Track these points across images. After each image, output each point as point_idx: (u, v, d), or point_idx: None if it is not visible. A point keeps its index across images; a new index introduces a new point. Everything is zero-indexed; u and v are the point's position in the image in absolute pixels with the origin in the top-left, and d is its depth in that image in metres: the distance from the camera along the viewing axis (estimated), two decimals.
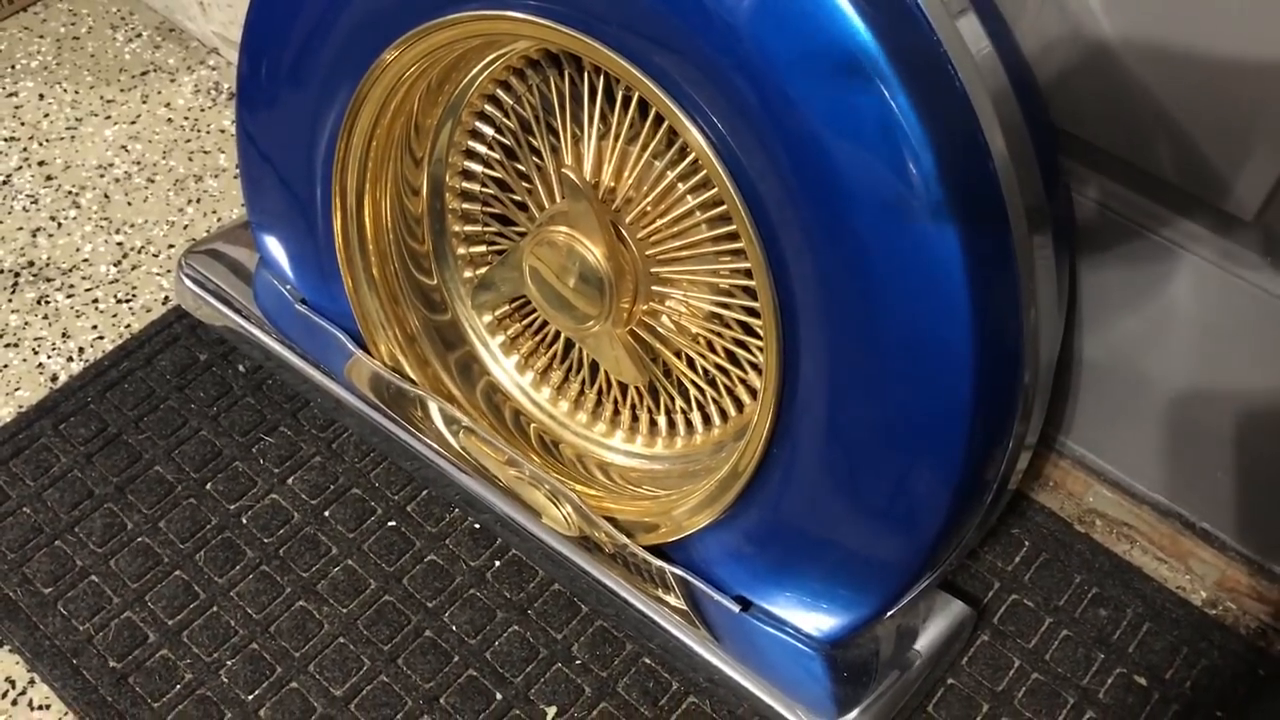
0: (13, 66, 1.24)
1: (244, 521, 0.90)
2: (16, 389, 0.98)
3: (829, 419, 0.68)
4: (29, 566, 0.87)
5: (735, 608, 0.77)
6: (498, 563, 0.88)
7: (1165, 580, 0.88)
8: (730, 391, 0.79)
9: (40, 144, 1.17)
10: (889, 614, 0.75)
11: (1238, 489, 0.81)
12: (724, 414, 0.80)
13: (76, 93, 1.21)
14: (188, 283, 0.96)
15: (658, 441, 0.85)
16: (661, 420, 0.85)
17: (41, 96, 1.21)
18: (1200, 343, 0.75)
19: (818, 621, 0.75)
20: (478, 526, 0.90)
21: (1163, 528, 0.87)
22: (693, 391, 0.81)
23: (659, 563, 0.79)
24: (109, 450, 0.93)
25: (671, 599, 0.79)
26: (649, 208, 0.74)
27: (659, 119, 0.72)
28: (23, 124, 1.19)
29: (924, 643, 0.79)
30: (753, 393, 0.78)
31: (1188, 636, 0.85)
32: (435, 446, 0.87)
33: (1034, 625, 0.85)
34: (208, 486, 0.92)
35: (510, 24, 0.68)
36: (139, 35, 1.27)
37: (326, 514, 0.90)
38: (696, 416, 0.82)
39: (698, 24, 0.61)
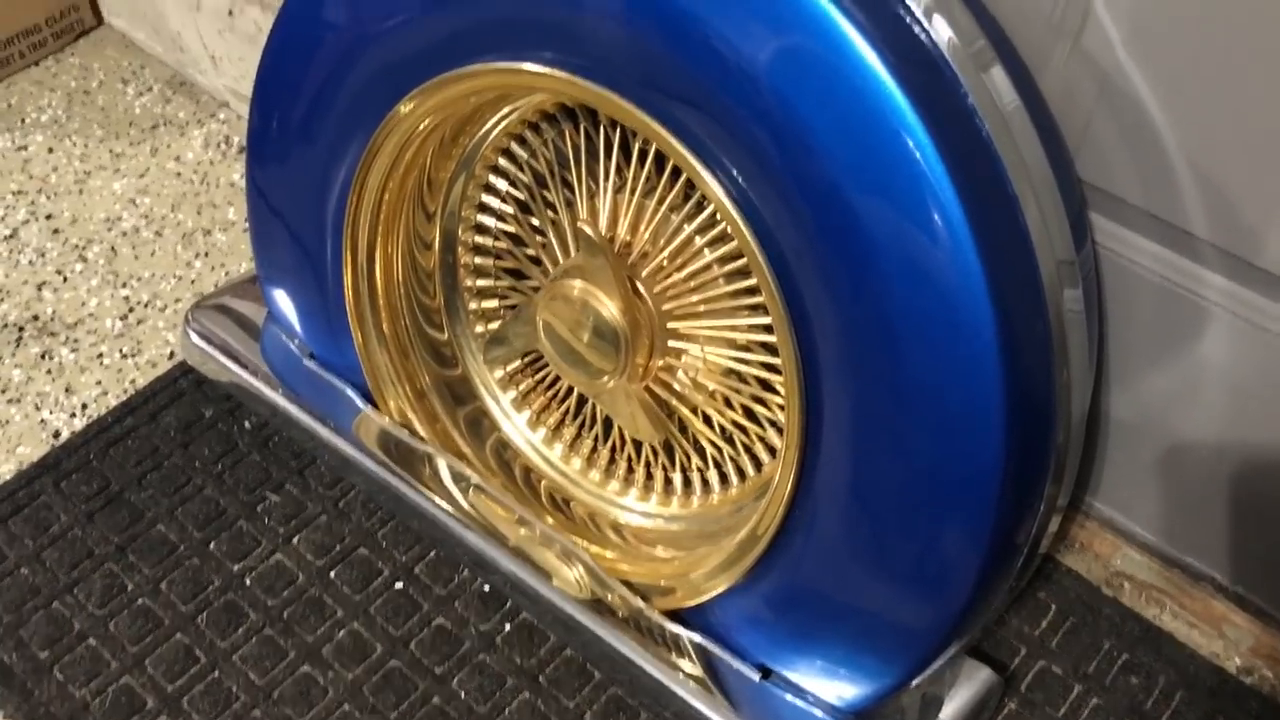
0: (22, 120, 1.24)
1: (247, 583, 0.87)
2: (18, 446, 0.96)
3: (853, 480, 0.66)
4: (25, 629, 0.85)
5: (755, 676, 0.74)
6: (508, 627, 0.86)
7: (1198, 646, 0.85)
8: (749, 450, 0.77)
9: (48, 197, 1.16)
10: (915, 682, 0.72)
11: (1272, 552, 0.79)
12: (742, 473, 0.78)
13: (86, 146, 1.21)
14: (194, 338, 0.95)
15: (673, 501, 0.83)
16: (677, 479, 0.82)
17: (51, 150, 1.21)
18: (1232, 401, 0.73)
19: (841, 690, 0.73)
20: (487, 589, 0.87)
21: (1194, 591, 0.84)
22: (710, 449, 0.79)
23: (675, 628, 0.77)
24: (110, 509, 0.91)
25: (688, 666, 0.77)
26: (665, 261, 0.73)
27: (676, 171, 0.70)
28: (31, 177, 1.18)
29: (950, 711, 0.76)
30: (772, 451, 0.76)
31: (1223, 705, 0.82)
32: (444, 505, 0.85)
33: (1063, 693, 0.82)
34: (211, 546, 0.89)
35: (526, 77, 0.67)
36: (150, 89, 1.27)
37: (332, 575, 0.88)
38: (714, 475, 0.80)
39: (717, 76, 0.60)
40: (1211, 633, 0.85)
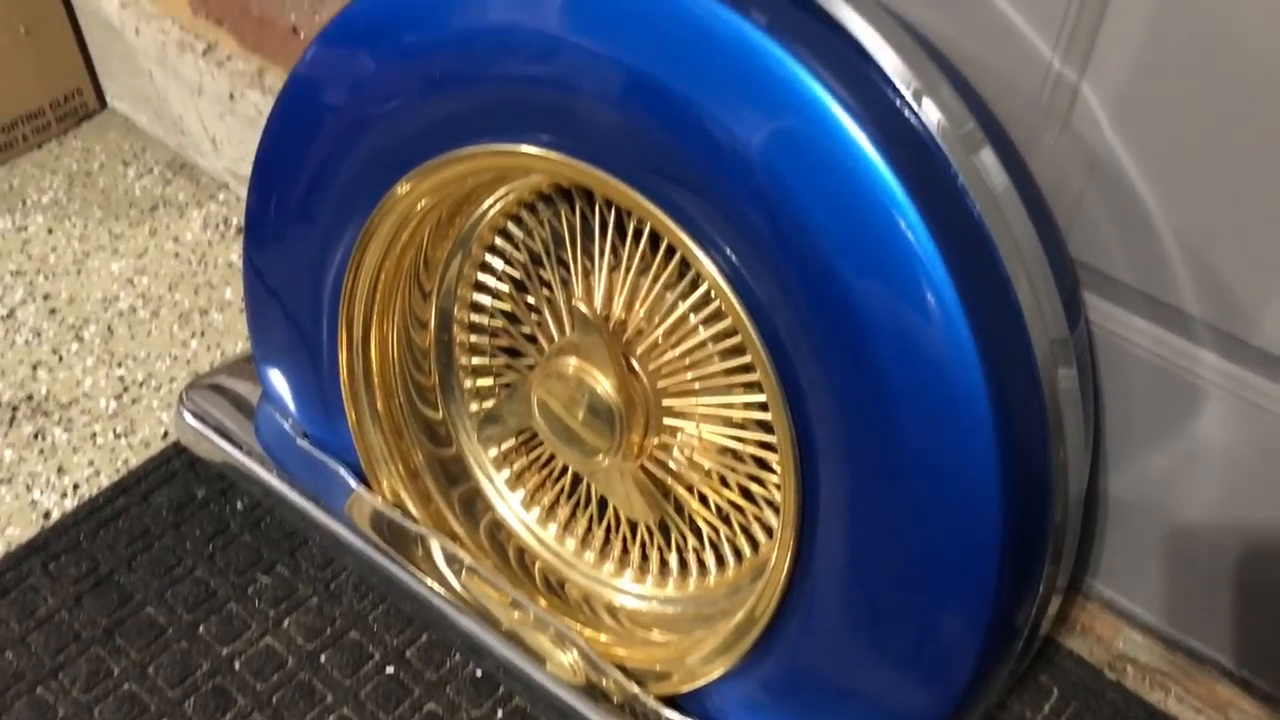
0: (24, 202, 1.25)
1: (236, 666, 0.86)
2: (7, 526, 0.95)
3: (850, 560, 0.65)
4: (8, 716, 0.83)
5: None
6: (500, 713, 0.84)
7: None
8: (745, 530, 0.76)
9: (46, 278, 1.17)
10: None
11: (1278, 635, 0.78)
12: (739, 554, 0.78)
13: (85, 227, 1.22)
14: (188, 417, 0.94)
15: (669, 582, 0.82)
16: (673, 560, 0.82)
17: (50, 231, 1.21)
18: (1232, 481, 0.73)
19: None
20: (480, 674, 0.86)
21: (1199, 675, 0.83)
22: (706, 530, 0.78)
23: (671, 714, 0.75)
24: (99, 591, 0.90)
25: None
26: (660, 339, 0.73)
27: (671, 250, 0.71)
28: (30, 258, 1.19)
29: None
30: (769, 532, 0.75)
31: None
32: (436, 587, 0.84)
33: None
34: (200, 629, 0.88)
35: (523, 159, 0.68)
36: (150, 171, 1.29)
37: (322, 659, 0.87)
38: (710, 556, 0.79)
39: (711, 158, 0.60)
40: (1218, 718, 0.83)
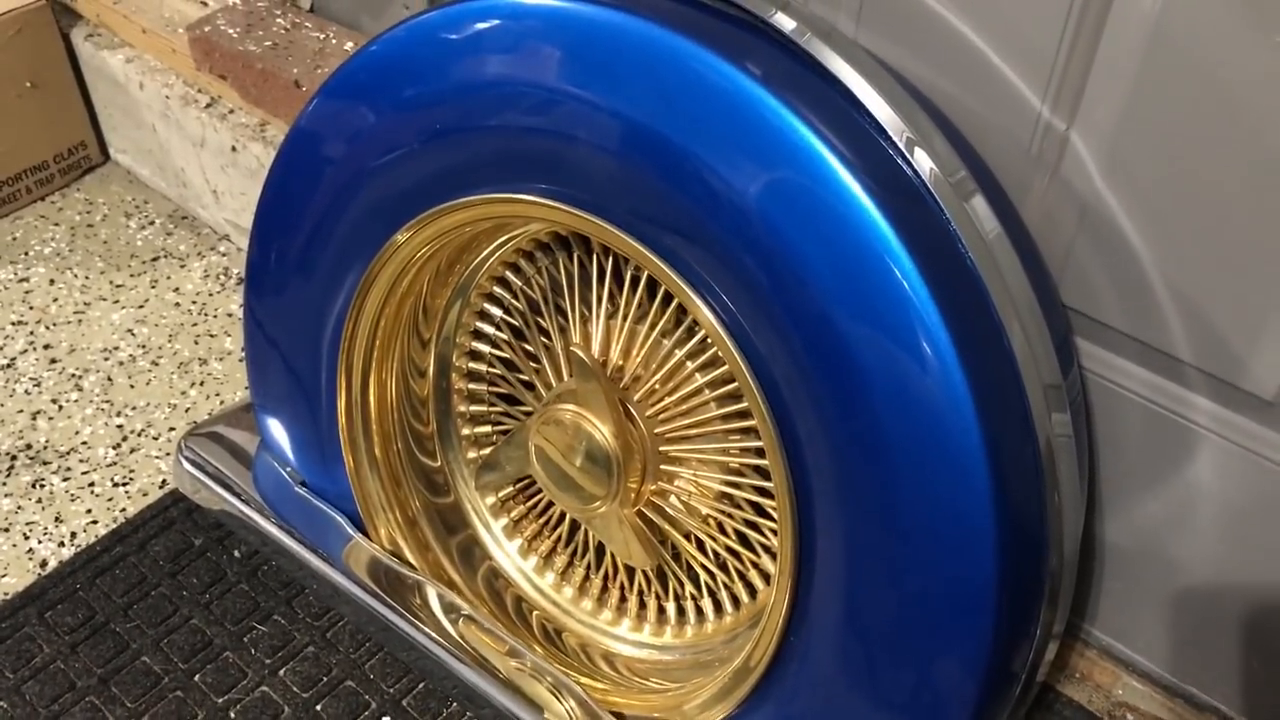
0: (26, 253, 1.26)
1: (232, 716, 0.85)
2: (4, 575, 0.95)
3: (847, 606, 0.65)
4: None
5: None
6: None
7: None
8: (743, 576, 0.76)
9: (47, 328, 1.17)
10: None
11: (1276, 680, 0.77)
12: (736, 601, 0.77)
13: (87, 278, 1.23)
14: (186, 465, 0.94)
15: (666, 630, 0.82)
16: (670, 607, 0.81)
17: (52, 282, 1.22)
18: (1227, 525, 0.73)
19: None
20: None
21: None
22: (703, 576, 0.78)
23: None
24: (95, 640, 0.90)
25: None
26: (658, 385, 0.73)
27: (668, 298, 0.72)
28: (31, 308, 1.19)
29: None
30: (766, 578, 0.75)
31: None
32: (434, 635, 0.83)
33: None
34: (196, 678, 0.88)
35: (522, 207, 0.69)
36: (152, 223, 1.30)
37: (319, 708, 0.86)
38: (707, 603, 0.79)
39: (707, 206, 0.61)
40: None
